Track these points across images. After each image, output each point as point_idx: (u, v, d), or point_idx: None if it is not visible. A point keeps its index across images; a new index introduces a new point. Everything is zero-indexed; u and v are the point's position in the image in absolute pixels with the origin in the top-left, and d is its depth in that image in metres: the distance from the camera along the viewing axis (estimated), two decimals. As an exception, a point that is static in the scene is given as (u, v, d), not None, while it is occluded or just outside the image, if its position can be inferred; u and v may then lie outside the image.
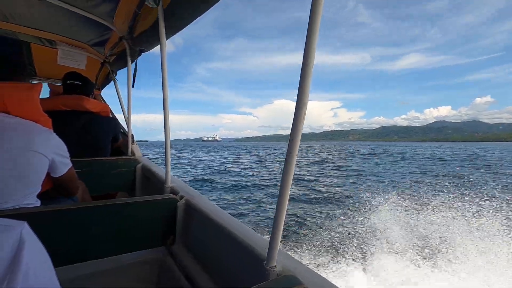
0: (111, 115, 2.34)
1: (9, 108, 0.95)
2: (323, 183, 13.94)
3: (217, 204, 1.16)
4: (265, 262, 0.70)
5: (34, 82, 2.99)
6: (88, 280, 1.06)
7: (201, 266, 1.08)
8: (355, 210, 7.55)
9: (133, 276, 1.17)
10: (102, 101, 3.10)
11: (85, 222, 1.06)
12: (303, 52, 0.58)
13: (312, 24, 0.56)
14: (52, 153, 1.06)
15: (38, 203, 1.06)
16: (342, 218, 7.07)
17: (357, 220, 6.65)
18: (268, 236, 0.72)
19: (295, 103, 0.61)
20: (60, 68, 2.33)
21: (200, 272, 1.05)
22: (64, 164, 1.16)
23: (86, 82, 2.08)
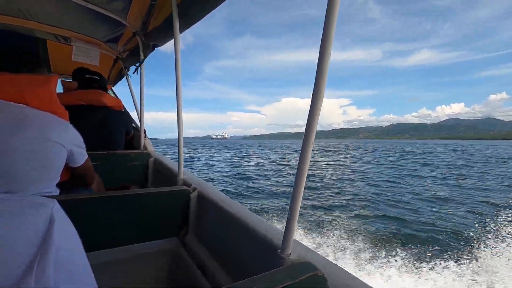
0: (123, 110, 2.39)
1: (28, 100, 0.98)
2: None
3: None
4: (279, 250, 0.71)
5: None
6: (102, 269, 1.09)
7: (214, 256, 1.09)
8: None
9: (146, 265, 1.20)
10: (115, 96, 3.15)
11: (101, 211, 1.09)
12: (317, 49, 0.59)
13: (328, 20, 0.56)
14: (70, 143, 1.09)
15: (57, 192, 1.09)
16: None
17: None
18: (282, 226, 0.73)
19: (310, 99, 0.62)
20: (74, 64, 2.38)
21: (212, 261, 1.07)
22: (81, 155, 1.19)
23: (102, 77, 2.15)
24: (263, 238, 0.81)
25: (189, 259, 1.14)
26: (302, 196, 0.67)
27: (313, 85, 0.61)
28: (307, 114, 0.63)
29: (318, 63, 0.59)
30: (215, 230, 1.13)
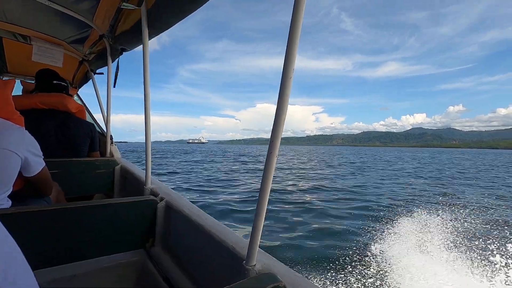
0: (87, 116, 2.27)
1: None
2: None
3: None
4: (244, 261, 0.71)
5: (5, 78, 2.86)
6: (65, 283, 1.03)
7: (180, 268, 1.07)
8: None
9: (111, 279, 1.14)
10: (80, 101, 3.01)
11: (61, 224, 1.03)
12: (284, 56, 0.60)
13: (293, 29, 0.58)
14: (25, 151, 1.02)
15: (9, 203, 1.01)
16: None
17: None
18: (247, 234, 0.72)
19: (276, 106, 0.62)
20: (34, 64, 2.24)
21: (179, 274, 1.04)
22: (37, 163, 1.11)
23: (67, 82, 2.04)
24: (229, 249, 0.81)
25: (156, 271, 1.10)
26: (266, 206, 0.67)
27: (278, 92, 0.61)
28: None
29: (283, 67, 0.60)
30: (183, 241, 1.10)
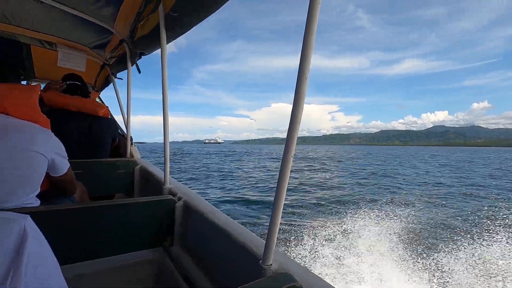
0: (110, 117, 2.37)
1: (8, 109, 0.96)
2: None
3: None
4: (261, 261, 0.71)
5: (33, 83, 3.02)
6: (86, 280, 1.07)
7: (198, 266, 1.09)
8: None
9: (131, 276, 1.18)
10: (101, 102, 3.12)
11: (84, 222, 1.07)
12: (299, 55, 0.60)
13: (309, 27, 0.58)
14: (52, 153, 1.07)
15: (37, 203, 1.07)
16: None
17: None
18: (264, 234, 0.73)
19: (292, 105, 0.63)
20: (60, 70, 2.35)
21: (197, 272, 1.06)
22: (63, 164, 1.17)
23: (84, 83, 2.13)
24: (246, 248, 0.82)
25: (175, 270, 1.13)
26: (283, 205, 0.68)
27: (294, 91, 0.61)
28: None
29: (299, 67, 0.60)
30: (200, 239, 1.12)
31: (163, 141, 1.44)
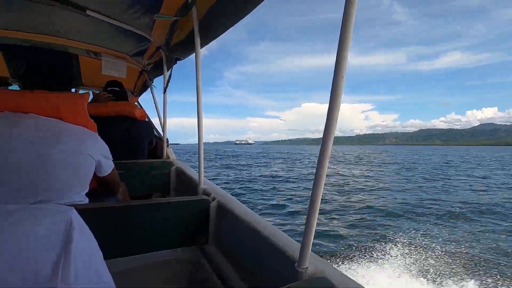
0: (147, 120, 2.51)
1: (63, 115, 1.06)
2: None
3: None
4: (296, 263, 0.70)
5: (81, 91, 3.28)
6: (122, 276, 1.12)
7: (232, 266, 1.10)
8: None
9: (165, 273, 1.23)
10: (140, 107, 3.31)
11: (124, 219, 1.14)
12: (335, 54, 0.59)
13: (345, 25, 0.56)
14: (99, 155, 1.16)
15: (86, 200, 1.16)
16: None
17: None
18: (299, 238, 0.72)
19: (328, 105, 0.62)
20: (103, 77, 2.54)
21: (231, 271, 1.08)
22: (108, 165, 1.25)
23: (123, 89, 2.29)
24: (281, 250, 0.81)
25: (209, 268, 1.15)
26: (319, 206, 0.66)
27: (330, 90, 0.60)
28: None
29: (335, 67, 0.59)
30: (234, 240, 1.14)
31: (197, 143, 1.49)
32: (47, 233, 0.35)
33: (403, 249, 5.32)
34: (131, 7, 1.52)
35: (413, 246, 5.49)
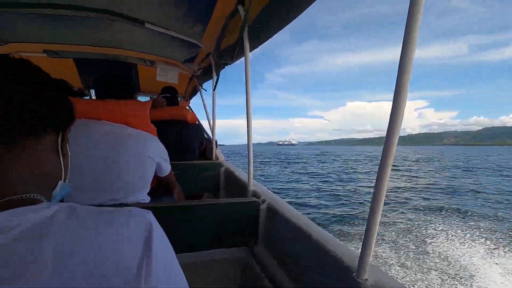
0: (198, 123, 2.65)
1: (129, 121, 1.18)
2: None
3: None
4: (355, 274, 0.67)
5: (139, 97, 3.60)
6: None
7: (283, 269, 1.10)
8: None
9: (218, 270, 1.27)
10: (190, 111, 3.50)
11: (181, 218, 1.21)
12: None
13: (411, 17, 0.53)
14: (158, 157, 1.26)
15: (148, 199, 1.26)
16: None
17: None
18: (356, 246, 0.69)
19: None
20: (157, 83, 2.74)
21: (282, 275, 1.07)
22: (166, 166, 1.35)
23: (175, 94, 2.49)
24: (336, 259, 0.78)
25: (259, 269, 1.17)
26: (380, 214, 0.63)
27: (394, 88, 0.57)
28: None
29: (400, 62, 0.56)
30: (285, 244, 1.14)
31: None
32: (129, 233, 0.38)
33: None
34: (184, 16, 1.61)
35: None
